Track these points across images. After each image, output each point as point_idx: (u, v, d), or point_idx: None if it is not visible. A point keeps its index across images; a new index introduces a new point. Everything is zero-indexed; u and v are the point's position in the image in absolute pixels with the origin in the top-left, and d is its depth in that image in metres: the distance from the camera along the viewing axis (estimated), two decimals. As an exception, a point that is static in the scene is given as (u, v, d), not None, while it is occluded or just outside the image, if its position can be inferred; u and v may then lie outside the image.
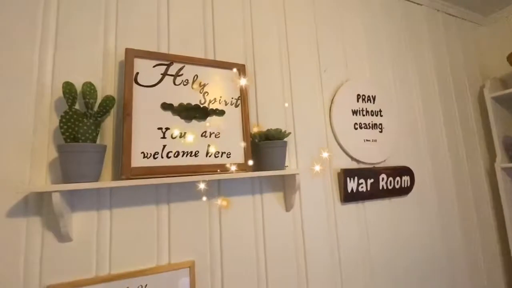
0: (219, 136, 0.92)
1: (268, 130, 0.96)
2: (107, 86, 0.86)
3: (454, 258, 1.42)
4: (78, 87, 0.77)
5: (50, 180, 0.76)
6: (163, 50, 0.95)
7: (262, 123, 1.05)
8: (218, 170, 0.88)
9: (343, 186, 1.14)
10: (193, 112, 0.89)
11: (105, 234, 0.80)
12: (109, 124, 0.85)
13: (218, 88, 0.95)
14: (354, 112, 1.26)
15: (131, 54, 0.84)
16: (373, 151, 1.27)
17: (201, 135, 0.89)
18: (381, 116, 1.32)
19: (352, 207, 1.19)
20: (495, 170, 1.56)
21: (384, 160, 1.31)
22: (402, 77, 1.48)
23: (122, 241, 0.81)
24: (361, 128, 1.26)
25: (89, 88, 0.78)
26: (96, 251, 0.78)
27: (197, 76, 0.93)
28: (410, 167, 1.35)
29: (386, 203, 1.29)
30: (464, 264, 1.45)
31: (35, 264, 0.72)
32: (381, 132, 1.31)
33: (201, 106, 0.91)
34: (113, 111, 0.86)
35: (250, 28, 1.12)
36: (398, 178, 1.29)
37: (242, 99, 0.97)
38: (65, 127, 0.72)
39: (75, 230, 0.77)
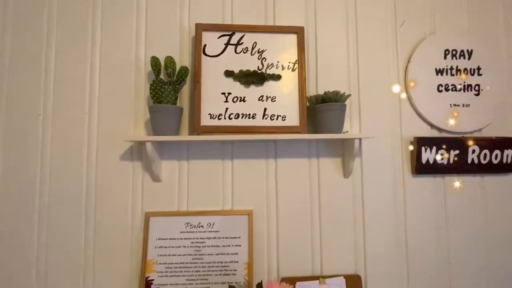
0: (275, 100, 0.96)
1: (325, 92, 0.94)
2: (184, 59, 1.02)
3: None
4: (162, 60, 0.95)
5: (147, 134, 0.99)
6: (227, 21, 1.04)
7: (323, 87, 1.03)
8: (273, 132, 0.94)
9: (415, 156, 1.02)
10: (251, 78, 0.96)
11: (184, 179, 1.00)
12: (186, 91, 1.02)
13: (275, 54, 0.98)
14: (439, 72, 1.06)
15: (200, 28, 0.97)
16: (463, 118, 1.06)
17: (259, 99, 0.96)
18: (479, 75, 1.07)
19: (427, 181, 1.05)
20: None
21: (480, 130, 1.07)
22: (522, 22, 1.13)
23: (196, 187, 1.00)
24: (447, 90, 1.06)
25: (169, 62, 0.96)
26: (178, 191, 0.99)
27: (256, 43, 0.98)
28: (521, 140, 1.06)
29: (477, 181, 1.07)
30: None
31: (138, 196, 0.98)
32: (477, 95, 1.06)
33: (259, 71, 0.97)
34: (189, 80, 1.02)
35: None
36: (497, 152, 1.04)
37: (300, 62, 0.97)
38: (153, 93, 0.92)
39: (163, 174, 0.99)
